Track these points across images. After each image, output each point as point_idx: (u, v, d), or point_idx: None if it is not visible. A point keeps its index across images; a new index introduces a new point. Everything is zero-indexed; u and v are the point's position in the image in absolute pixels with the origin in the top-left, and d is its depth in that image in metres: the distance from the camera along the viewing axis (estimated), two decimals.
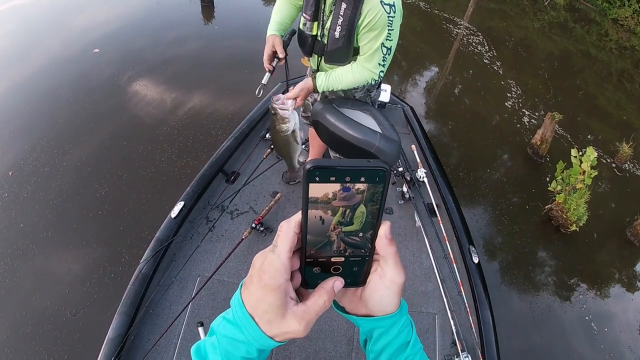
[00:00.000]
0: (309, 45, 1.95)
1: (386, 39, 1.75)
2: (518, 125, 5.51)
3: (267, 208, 2.48)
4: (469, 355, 2.04)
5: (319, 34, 1.89)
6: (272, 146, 2.97)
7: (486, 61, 6.92)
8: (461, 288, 2.29)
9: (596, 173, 3.86)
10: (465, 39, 7.54)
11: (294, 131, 1.65)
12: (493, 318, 2.20)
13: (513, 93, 6.19)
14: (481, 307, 2.22)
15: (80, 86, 4.67)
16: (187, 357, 1.94)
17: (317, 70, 2.06)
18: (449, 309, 2.22)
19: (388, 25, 1.71)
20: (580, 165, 3.88)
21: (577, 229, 3.85)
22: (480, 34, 7.74)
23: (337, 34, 1.78)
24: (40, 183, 3.52)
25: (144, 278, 2.08)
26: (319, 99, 2.26)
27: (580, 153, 3.94)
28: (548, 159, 4.81)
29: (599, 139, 5.84)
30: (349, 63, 1.88)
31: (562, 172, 4.06)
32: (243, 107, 4.58)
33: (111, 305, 2.75)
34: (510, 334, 3.15)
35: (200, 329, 1.86)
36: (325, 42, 1.86)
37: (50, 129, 4.06)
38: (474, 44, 7.39)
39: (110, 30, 5.87)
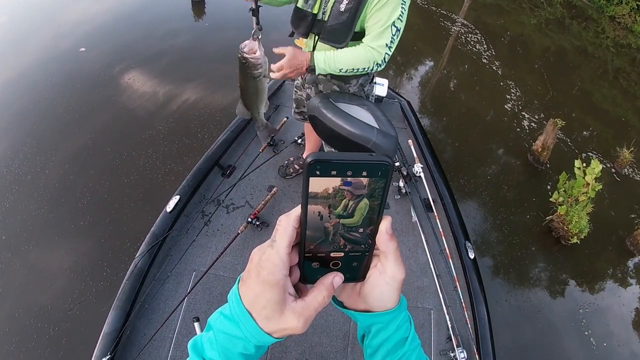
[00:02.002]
0: (307, 24, 1.86)
1: (398, 19, 1.70)
2: (518, 130, 5.40)
3: (263, 202, 2.47)
4: (464, 350, 2.06)
5: (320, 11, 1.83)
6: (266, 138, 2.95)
7: (485, 60, 6.86)
8: (457, 283, 2.29)
9: (600, 187, 3.75)
10: (463, 37, 7.48)
11: (264, 76, 1.59)
12: (488, 314, 2.21)
13: (512, 95, 6.11)
14: (477, 302, 2.23)
15: (65, 87, 4.51)
16: (183, 351, 1.94)
17: (314, 51, 1.93)
18: (445, 304, 2.23)
19: (402, 4, 1.68)
20: (584, 178, 3.78)
21: (578, 242, 3.75)
22: (478, 31, 7.70)
23: (343, 7, 1.71)
24: (22, 192, 3.40)
25: (140, 273, 2.07)
26: (312, 94, 2.24)
27: (584, 164, 3.83)
28: (549, 165, 4.72)
29: (598, 140, 5.79)
30: (345, 45, 1.80)
31: (565, 183, 3.96)
32: (232, 104, 4.48)
33: (104, 303, 2.72)
34: (505, 332, 3.14)
35: (196, 325, 1.86)
36: (327, 18, 1.79)
37: (34, 134, 3.93)
38: (472, 42, 7.34)
39: (98, 26, 5.74)
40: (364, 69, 1.79)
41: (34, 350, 2.60)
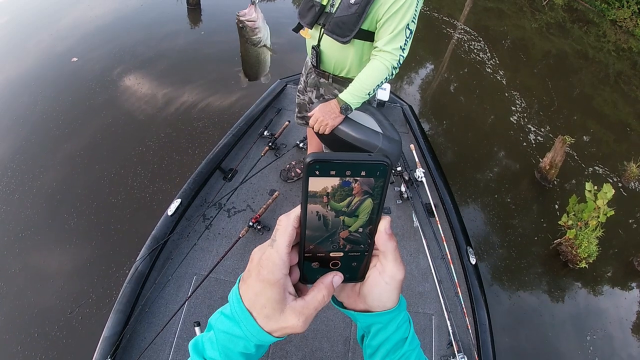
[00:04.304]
0: (314, 14, 1.86)
1: (412, 21, 1.70)
2: (524, 144, 5.25)
3: (264, 206, 2.47)
4: (465, 356, 2.05)
5: (329, 3, 1.83)
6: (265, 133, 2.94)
7: (489, 70, 6.80)
8: (458, 289, 2.29)
9: (612, 212, 3.57)
10: (466, 45, 7.44)
11: (264, 46, 1.59)
12: (489, 319, 2.20)
13: (518, 106, 5.98)
14: (478, 308, 2.22)
15: (56, 100, 4.38)
16: (183, 356, 1.93)
17: (318, 45, 1.96)
18: (446, 310, 2.22)
19: (415, 7, 1.68)
20: (595, 202, 3.61)
21: (587, 266, 3.58)
22: (481, 38, 7.66)
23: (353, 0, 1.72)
24: (9, 212, 3.29)
25: (140, 276, 2.07)
26: (314, 98, 2.24)
27: (596, 187, 3.66)
28: (556, 182, 4.57)
29: (598, 145, 5.73)
30: (350, 40, 1.80)
31: (575, 205, 3.81)
32: (227, 113, 4.45)
33: (105, 306, 2.71)
34: (506, 339, 3.08)
35: (197, 329, 1.85)
36: (335, 10, 1.79)
37: (23, 151, 3.80)
38: (475, 50, 7.31)
39: (91, 32, 5.66)
40: (386, 78, 1.80)
41: (34, 356, 2.58)
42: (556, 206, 4.34)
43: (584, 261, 3.59)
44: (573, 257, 3.67)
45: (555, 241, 3.85)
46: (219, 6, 6.94)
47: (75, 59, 5.09)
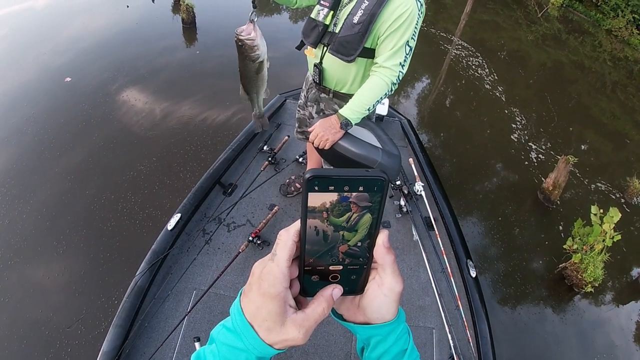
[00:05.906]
0: (318, 34, 1.89)
1: (411, 38, 1.73)
2: (526, 163, 5.20)
3: (264, 221, 2.48)
4: None
5: (332, 23, 1.86)
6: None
7: (488, 86, 6.79)
8: (459, 302, 2.28)
9: (619, 237, 3.51)
10: (464, 61, 7.48)
11: (262, 61, 1.60)
12: (490, 332, 2.19)
13: (517, 124, 5.95)
14: (479, 320, 2.22)
15: (47, 122, 4.35)
16: None
17: (321, 62, 1.97)
18: (447, 323, 2.21)
19: (415, 24, 1.71)
20: (601, 225, 3.55)
21: (592, 290, 3.52)
22: (479, 54, 7.72)
23: (356, 19, 1.74)
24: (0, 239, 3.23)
25: (140, 291, 2.06)
26: (314, 113, 2.26)
27: (601, 210, 3.60)
28: (559, 202, 4.52)
29: (596, 155, 5.73)
30: (353, 59, 1.82)
31: (580, 228, 3.75)
32: (219, 132, 4.45)
33: (95, 337, 2.66)
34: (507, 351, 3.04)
35: (197, 344, 1.84)
36: (338, 30, 1.82)
37: (14, 174, 3.74)
38: (473, 66, 7.35)
39: (83, 55, 5.63)
40: (385, 94, 1.81)
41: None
42: (560, 227, 4.29)
43: (589, 285, 3.51)
44: (578, 282, 3.58)
45: (560, 265, 3.78)
46: (215, 22, 6.99)
47: (68, 79, 5.05)
